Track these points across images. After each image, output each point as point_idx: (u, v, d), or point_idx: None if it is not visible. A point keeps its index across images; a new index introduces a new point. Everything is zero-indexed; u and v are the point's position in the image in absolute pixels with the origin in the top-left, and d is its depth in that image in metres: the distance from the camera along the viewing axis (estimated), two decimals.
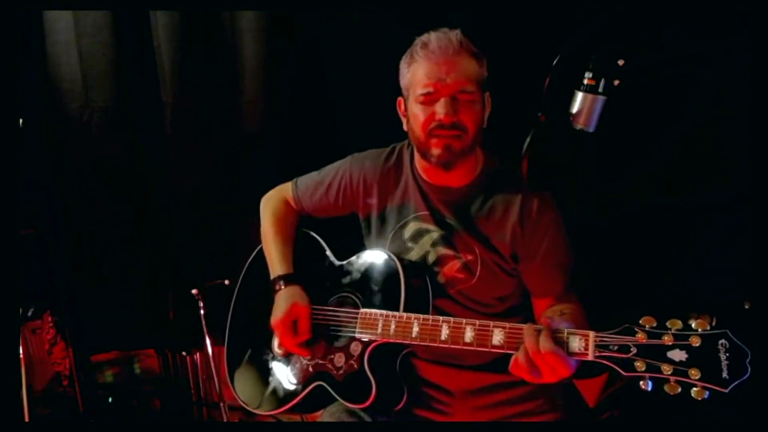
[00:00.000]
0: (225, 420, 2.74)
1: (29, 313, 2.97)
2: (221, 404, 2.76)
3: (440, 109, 1.68)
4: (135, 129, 2.90)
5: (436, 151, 1.71)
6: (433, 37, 1.72)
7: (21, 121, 2.24)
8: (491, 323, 1.55)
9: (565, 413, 1.82)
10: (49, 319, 3.03)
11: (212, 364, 2.75)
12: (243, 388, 1.98)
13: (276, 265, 1.96)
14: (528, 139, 1.51)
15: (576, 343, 1.41)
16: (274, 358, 1.93)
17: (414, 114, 1.74)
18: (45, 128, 2.87)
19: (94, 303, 3.00)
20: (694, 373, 1.28)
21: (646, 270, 2.16)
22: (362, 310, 1.76)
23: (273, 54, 2.66)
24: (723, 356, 1.27)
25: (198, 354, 2.98)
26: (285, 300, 1.88)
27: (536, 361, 1.42)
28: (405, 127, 1.83)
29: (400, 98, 1.83)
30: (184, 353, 3.04)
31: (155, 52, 2.76)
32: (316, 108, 2.64)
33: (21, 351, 2.63)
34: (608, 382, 2.16)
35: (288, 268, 1.95)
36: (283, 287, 1.90)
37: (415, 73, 1.73)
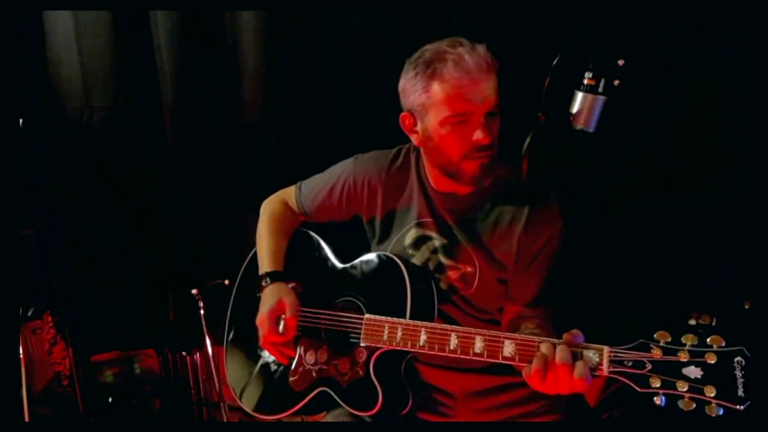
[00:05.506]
0: (225, 420, 2.74)
1: (29, 313, 2.97)
2: (221, 404, 2.76)
3: (479, 131, 1.60)
4: (135, 129, 2.90)
5: (470, 171, 1.66)
6: (465, 54, 1.59)
7: (21, 121, 2.23)
8: (501, 334, 1.52)
9: (566, 414, 1.82)
10: (49, 319, 3.03)
11: (212, 364, 2.75)
12: (245, 392, 1.95)
13: (265, 262, 1.91)
14: (528, 139, 1.51)
15: (591, 358, 1.39)
16: (275, 362, 1.90)
17: (443, 137, 1.65)
18: (45, 128, 2.88)
19: (94, 303, 3.01)
20: (710, 391, 1.26)
21: (646, 270, 2.15)
22: (367, 315, 1.72)
23: (273, 54, 2.66)
24: (738, 374, 1.25)
25: (198, 354, 2.98)
26: (271, 296, 1.82)
27: (553, 372, 1.40)
28: (416, 143, 1.75)
29: (404, 114, 1.73)
30: (184, 353, 3.04)
31: (155, 52, 2.76)
32: (316, 108, 2.64)
33: (21, 351, 2.63)
34: (608, 382, 2.16)
35: (277, 265, 1.90)
36: (269, 284, 1.85)
37: (441, 92, 1.61)
